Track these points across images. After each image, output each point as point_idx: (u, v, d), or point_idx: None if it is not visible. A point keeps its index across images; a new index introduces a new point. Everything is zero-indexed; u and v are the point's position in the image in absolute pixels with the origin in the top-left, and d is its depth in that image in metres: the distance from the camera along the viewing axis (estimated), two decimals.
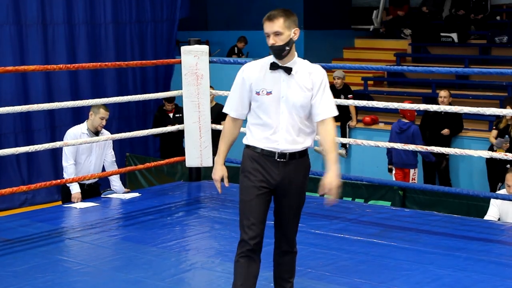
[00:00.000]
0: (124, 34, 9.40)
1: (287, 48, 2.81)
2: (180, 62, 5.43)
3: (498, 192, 5.56)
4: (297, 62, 2.88)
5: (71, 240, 4.36)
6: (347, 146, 8.46)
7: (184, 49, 5.33)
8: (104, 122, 5.36)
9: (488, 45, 9.79)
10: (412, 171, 7.21)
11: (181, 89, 5.43)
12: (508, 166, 5.77)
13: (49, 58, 8.35)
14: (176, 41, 9.96)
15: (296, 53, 2.97)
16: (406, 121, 7.16)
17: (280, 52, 2.82)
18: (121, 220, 4.86)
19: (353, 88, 8.84)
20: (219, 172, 2.94)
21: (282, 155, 2.87)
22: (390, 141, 6.93)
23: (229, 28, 11.22)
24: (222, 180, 3.02)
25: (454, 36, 9.68)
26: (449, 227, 4.52)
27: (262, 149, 2.91)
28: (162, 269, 3.71)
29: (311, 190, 6.36)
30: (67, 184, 5.31)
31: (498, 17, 10.54)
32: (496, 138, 6.94)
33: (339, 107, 9.11)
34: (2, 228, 4.60)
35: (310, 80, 2.87)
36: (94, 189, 5.46)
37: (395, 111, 7.39)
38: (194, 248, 4.15)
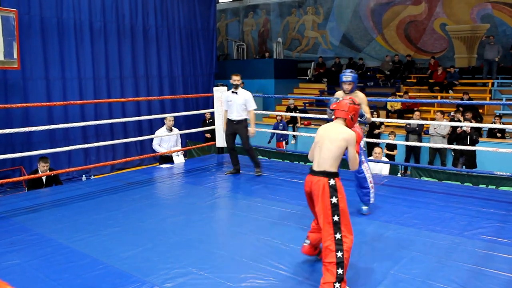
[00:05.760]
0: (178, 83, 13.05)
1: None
2: (213, 95, 7.03)
3: None
4: (241, 90, 5.15)
5: (160, 183, 5.64)
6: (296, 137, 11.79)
7: (215, 88, 7.00)
8: (170, 124, 7.18)
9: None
10: (284, 143, 11.14)
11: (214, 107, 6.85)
12: None
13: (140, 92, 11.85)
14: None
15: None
16: (279, 121, 11.00)
17: (238, 86, 5.22)
18: (183, 173, 6.07)
19: (299, 107, 13.13)
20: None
21: (234, 121, 5.25)
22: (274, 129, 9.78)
23: None
24: None
25: None
26: None
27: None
28: (204, 197, 4.71)
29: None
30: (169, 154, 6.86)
31: None
32: None
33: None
34: (123, 178, 5.78)
35: (245, 94, 5.29)
36: (170, 158, 6.98)
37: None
38: (222, 187, 5.26)
